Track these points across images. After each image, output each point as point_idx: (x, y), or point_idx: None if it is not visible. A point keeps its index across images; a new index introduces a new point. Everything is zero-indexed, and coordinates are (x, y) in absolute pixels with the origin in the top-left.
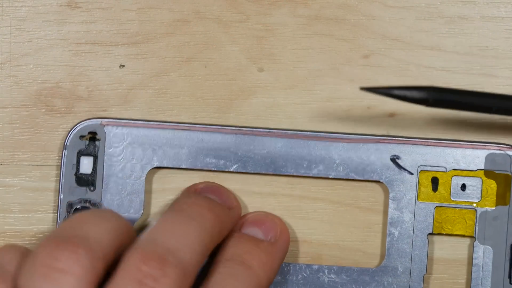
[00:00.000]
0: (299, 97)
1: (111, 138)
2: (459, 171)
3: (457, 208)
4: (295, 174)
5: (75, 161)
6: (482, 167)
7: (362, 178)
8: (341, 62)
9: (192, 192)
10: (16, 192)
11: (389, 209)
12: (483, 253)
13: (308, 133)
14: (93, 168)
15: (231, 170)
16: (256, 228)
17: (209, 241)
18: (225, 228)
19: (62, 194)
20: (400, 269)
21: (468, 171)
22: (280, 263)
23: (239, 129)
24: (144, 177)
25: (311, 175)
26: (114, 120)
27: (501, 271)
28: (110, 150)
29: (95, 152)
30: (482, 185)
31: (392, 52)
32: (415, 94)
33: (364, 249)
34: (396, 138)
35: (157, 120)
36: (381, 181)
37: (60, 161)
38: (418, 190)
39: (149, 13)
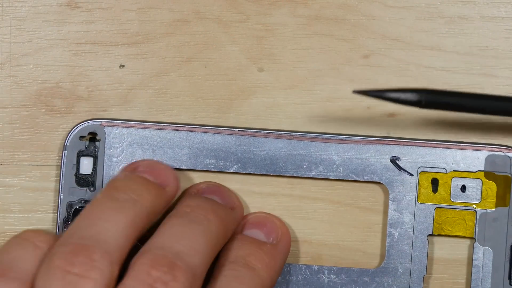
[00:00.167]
0: (299, 97)
1: (111, 138)
2: (459, 172)
3: (457, 209)
4: (295, 175)
5: (75, 162)
6: (482, 169)
7: (362, 179)
8: (341, 62)
9: (194, 193)
10: (16, 192)
11: (389, 210)
12: (483, 254)
13: (308, 134)
14: (93, 168)
15: (231, 171)
16: (258, 230)
17: (215, 243)
18: (229, 230)
19: (62, 194)
20: (400, 270)
21: (468, 173)
22: (282, 265)
23: (239, 130)
24: None
25: (311, 176)
26: (114, 121)
27: (501, 272)
28: (110, 150)
29: (95, 152)
30: (482, 187)
31: (392, 52)
32: (408, 96)
33: (364, 249)
34: (396, 140)
35: (157, 121)
36: (381, 182)
37: (60, 161)
38: (418, 191)
39: (149, 13)
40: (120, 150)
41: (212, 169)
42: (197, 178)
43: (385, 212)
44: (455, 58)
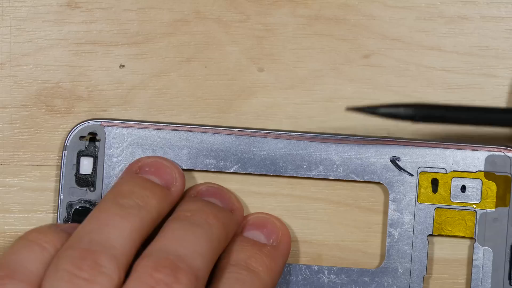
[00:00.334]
0: (299, 97)
1: (111, 139)
2: (459, 172)
3: (457, 210)
4: (295, 175)
5: (75, 162)
6: (482, 169)
7: (362, 179)
8: (341, 62)
9: (194, 196)
10: (16, 192)
11: (389, 210)
12: (483, 255)
13: (308, 134)
14: (93, 168)
15: (231, 171)
16: (258, 232)
17: (216, 246)
18: (230, 232)
19: (62, 194)
20: (400, 270)
21: (468, 173)
22: (283, 266)
23: (239, 130)
24: None
25: (311, 176)
26: (114, 121)
27: (501, 273)
28: (110, 150)
29: (95, 152)
30: (482, 187)
31: (392, 52)
32: (401, 111)
33: (364, 249)
34: (396, 140)
35: (157, 121)
36: (381, 182)
37: (60, 161)
38: (418, 192)
39: (149, 13)
40: (120, 150)
41: (212, 169)
42: (197, 178)
43: (385, 212)
44: (455, 58)
